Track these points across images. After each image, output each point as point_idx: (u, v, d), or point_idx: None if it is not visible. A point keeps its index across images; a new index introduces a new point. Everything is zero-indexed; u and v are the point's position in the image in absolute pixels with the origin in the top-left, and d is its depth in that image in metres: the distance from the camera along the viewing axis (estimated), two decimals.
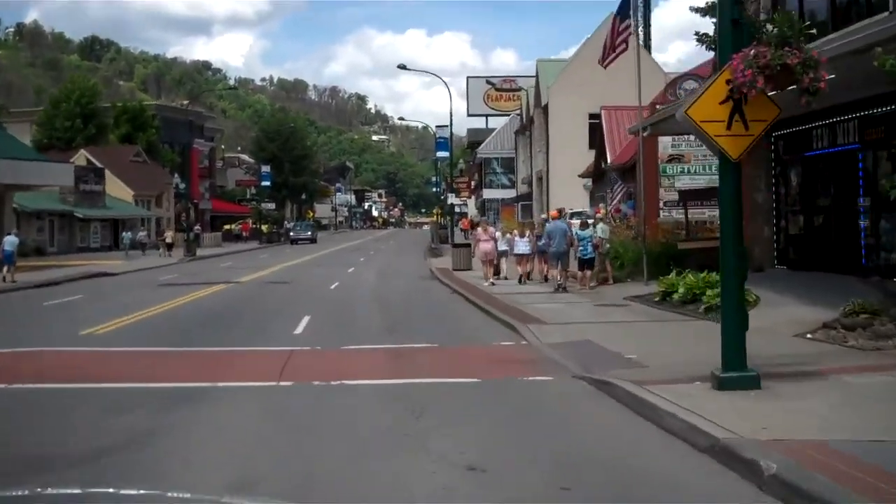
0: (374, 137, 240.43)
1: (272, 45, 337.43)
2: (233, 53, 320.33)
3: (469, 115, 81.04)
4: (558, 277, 23.84)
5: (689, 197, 24.10)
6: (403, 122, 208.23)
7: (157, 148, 76.14)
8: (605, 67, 23.74)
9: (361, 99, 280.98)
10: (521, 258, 28.44)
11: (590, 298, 21.24)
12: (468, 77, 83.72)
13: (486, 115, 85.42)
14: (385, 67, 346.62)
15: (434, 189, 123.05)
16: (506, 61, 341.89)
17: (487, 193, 74.29)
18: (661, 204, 26.36)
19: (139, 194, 70.41)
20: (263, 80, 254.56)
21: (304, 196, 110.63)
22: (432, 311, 20.76)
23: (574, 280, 23.98)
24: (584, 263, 23.77)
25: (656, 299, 18.80)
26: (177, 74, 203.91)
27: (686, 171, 26.57)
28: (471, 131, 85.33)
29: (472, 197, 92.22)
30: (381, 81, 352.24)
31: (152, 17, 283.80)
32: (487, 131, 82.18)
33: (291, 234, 77.47)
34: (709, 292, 16.57)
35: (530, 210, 63.96)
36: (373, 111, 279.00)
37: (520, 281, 27.84)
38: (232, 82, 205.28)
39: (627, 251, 26.00)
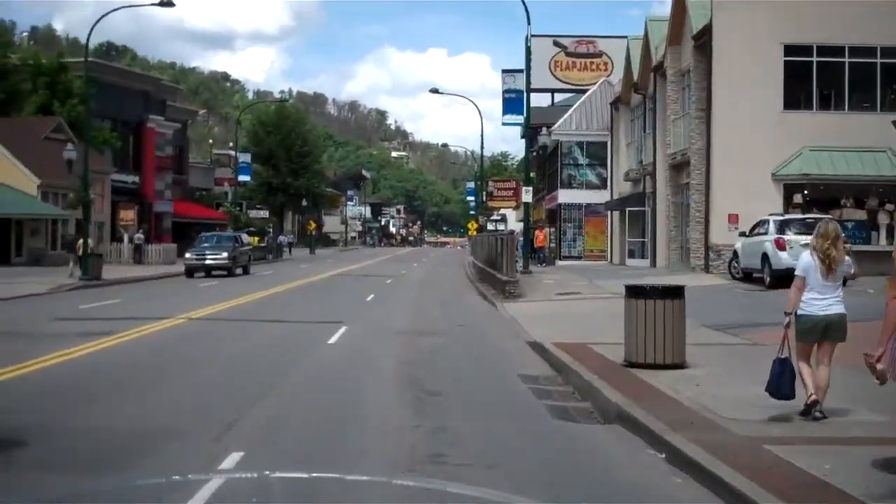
0: (394, 153, 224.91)
1: (293, 61, 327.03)
2: (254, 68, 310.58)
3: (529, 88, 56.67)
4: None
5: None
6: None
7: (88, 123, 52.96)
8: None
9: (381, 115, 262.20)
10: None
11: None
12: (530, 35, 58.61)
13: (552, 91, 61.12)
14: (404, 86, 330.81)
15: (469, 198, 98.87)
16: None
17: (564, 196, 49.13)
18: None
19: (49, 185, 47.44)
20: (282, 92, 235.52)
21: (305, 203, 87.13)
22: None
23: None
24: None
25: None
26: (193, 84, 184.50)
27: None
28: (532, 112, 60.70)
29: (517, 207, 67.54)
30: (400, 100, 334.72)
31: (174, 31, 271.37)
32: (556, 112, 58.05)
33: (188, 256, 40.62)
34: None
35: (642, 221, 40.19)
36: (392, 127, 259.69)
37: None
38: (250, 95, 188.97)
39: None
